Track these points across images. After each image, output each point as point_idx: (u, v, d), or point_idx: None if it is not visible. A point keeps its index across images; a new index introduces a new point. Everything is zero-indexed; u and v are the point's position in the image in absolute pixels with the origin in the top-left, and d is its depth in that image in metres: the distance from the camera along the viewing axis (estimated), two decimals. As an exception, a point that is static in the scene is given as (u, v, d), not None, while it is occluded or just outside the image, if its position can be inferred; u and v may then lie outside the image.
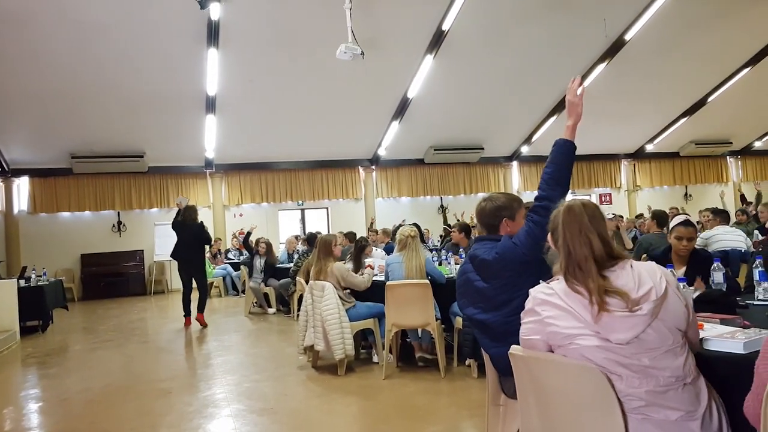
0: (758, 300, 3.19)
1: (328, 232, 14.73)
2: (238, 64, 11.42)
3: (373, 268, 6.43)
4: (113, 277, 14.53)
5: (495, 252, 2.88)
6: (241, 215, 15.91)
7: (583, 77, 13.28)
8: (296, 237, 12.16)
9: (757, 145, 19.96)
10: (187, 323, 9.23)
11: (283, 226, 16.56)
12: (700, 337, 2.23)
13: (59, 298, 10.43)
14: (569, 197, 2.51)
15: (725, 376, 2.11)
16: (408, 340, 6.02)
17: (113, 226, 15.09)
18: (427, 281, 5.49)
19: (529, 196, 13.67)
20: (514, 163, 18.20)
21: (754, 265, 3.33)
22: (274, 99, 12.80)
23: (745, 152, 20.28)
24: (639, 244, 6.78)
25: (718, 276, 3.46)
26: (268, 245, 10.59)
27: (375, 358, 6.08)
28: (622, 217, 11.72)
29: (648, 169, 19.63)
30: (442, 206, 17.50)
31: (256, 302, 10.51)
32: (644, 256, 5.63)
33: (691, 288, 3.15)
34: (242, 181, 15.91)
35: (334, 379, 5.60)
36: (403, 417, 4.49)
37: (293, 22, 10.54)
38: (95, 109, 12.14)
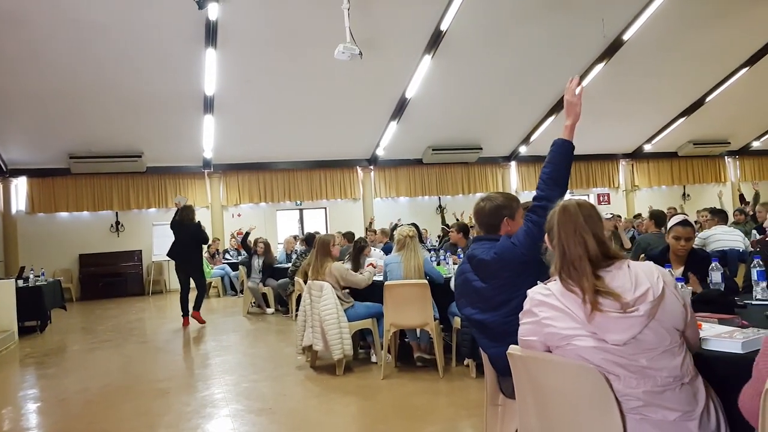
0: (756, 300, 3.19)
1: (327, 232, 14.74)
2: (236, 64, 11.42)
3: (375, 267, 6.43)
4: (111, 278, 14.52)
5: (493, 252, 2.88)
6: (239, 215, 15.91)
7: (582, 77, 13.28)
8: (294, 237, 12.16)
9: (755, 145, 19.99)
10: (186, 323, 9.24)
11: (281, 226, 16.56)
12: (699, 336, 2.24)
13: (57, 298, 10.41)
14: (567, 197, 2.51)
15: (723, 375, 2.11)
16: (406, 340, 6.03)
17: (111, 226, 15.08)
18: (426, 281, 5.50)
19: (527, 196, 13.63)
20: (513, 163, 18.21)
21: (752, 265, 3.33)
22: (273, 99, 12.80)
23: (743, 152, 20.31)
24: (637, 244, 6.79)
25: (716, 276, 3.46)
26: (267, 245, 10.59)
27: (373, 358, 6.08)
28: (620, 217, 11.73)
29: (646, 169, 19.65)
30: (440, 206, 17.52)
31: (254, 302, 10.51)
32: (642, 256, 5.62)
33: (687, 287, 3.16)
34: (240, 181, 15.90)
35: (332, 379, 5.60)
36: (401, 417, 4.49)
37: (291, 22, 10.54)
38: (93, 109, 12.13)
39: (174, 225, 9.43)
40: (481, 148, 16.86)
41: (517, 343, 2.21)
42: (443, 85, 13.13)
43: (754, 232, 8.29)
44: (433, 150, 16.40)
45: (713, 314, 2.62)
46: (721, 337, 2.25)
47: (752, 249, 6.89)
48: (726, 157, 20.41)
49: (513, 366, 2.27)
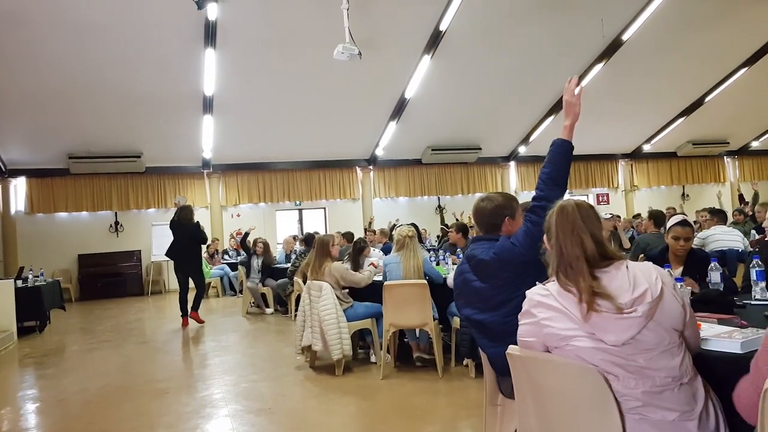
0: (755, 300, 3.19)
1: (326, 232, 14.74)
2: (236, 64, 11.41)
3: (376, 266, 6.43)
4: (110, 278, 14.51)
5: (493, 252, 2.88)
6: (238, 215, 15.91)
7: (581, 77, 13.27)
8: (294, 237, 12.15)
9: (755, 145, 19.99)
10: (185, 323, 9.25)
11: (280, 227, 16.56)
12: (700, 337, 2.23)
13: (56, 298, 10.41)
14: (566, 197, 2.51)
15: (723, 375, 2.10)
16: (406, 340, 6.02)
17: (110, 226, 15.07)
18: (425, 281, 5.50)
19: (526, 197, 13.66)
20: (512, 164, 18.21)
21: (751, 265, 3.33)
22: (272, 99, 12.79)
23: (743, 152, 20.31)
24: (636, 244, 6.79)
25: (715, 276, 3.46)
26: (266, 245, 10.59)
27: (373, 358, 6.08)
28: (619, 217, 11.73)
29: (645, 169, 19.65)
30: (439, 206, 17.52)
31: (253, 302, 10.51)
32: (641, 256, 5.63)
33: (687, 288, 3.16)
34: (240, 182, 15.90)
35: (331, 379, 5.60)
36: (400, 417, 4.49)
37: (290, 22, 10.53)
38: (93, 109, 12.12)
39: (173, 225, 9.46)
40: (480, 148, 16.86)
41: (516, 343, 2.21)
42: (442, 85, 13.13)
43: (753, 232, 8.30)
44: (432, 150, 16.40)
45: (712, 314, 2.62)
46: (720, 337, 2.25)
47: (751, 249, 6.90)
48: (725, 157, 20.41)
49: (512, 366, 2.27)
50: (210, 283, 13.54)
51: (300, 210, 17.01)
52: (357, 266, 6.70)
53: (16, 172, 14.11)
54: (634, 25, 11.97)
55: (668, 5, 11.41)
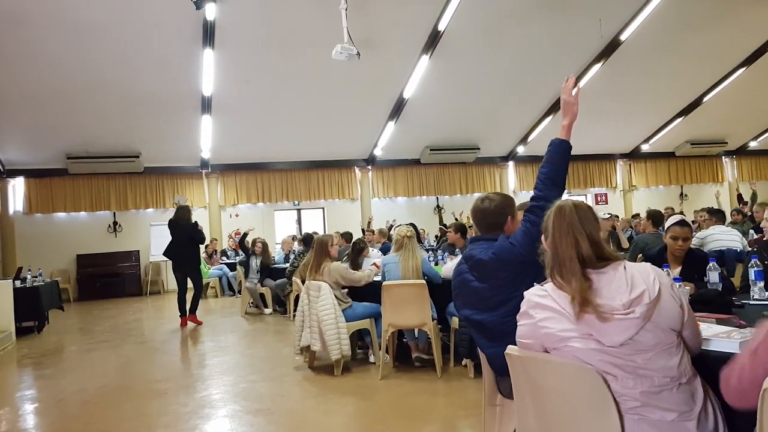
0: (754, 299, 3.19)
1: (325, 232, 14.74)
2: (234, 64, 11.41)
3: (378, 267, 6.43)
4: (109, 278, 14.51)
5: (491, 252, 2.88)
6: (237, 215, 15.90)
7: (579, 77, 13.31)
8: (292, 237, 12.14)
9: (753, 145, 20.02)
10: (183, 324, 9.25)
11: (279, 227, 16.54)
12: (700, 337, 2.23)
13: (55, 298, 10.40)
14: (565, 197, 2.51)
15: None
16: (404, 340, 6.02)
17: (109, 226, 15.06)
18: (424, 281, 5.50)
19: (525, 197, 13.65)
20: (510, 163, 18.23)
21: (749, 265, 3.34)
22: (270, 99, 12.79)
23: (741, 152, 20.34)
24: (635, 244, 6.80)
25: (713, 276, 3.46)
26: (264, 245, 10.58)
27: (371, 359, 6.08)
28: (617, 216, 11.74)
29: (644, 169, 19.67)
30: (438, 206, 17.53)
31: (252, 302, 10.50)
32: (640, 256, 5.64)
33: (685, 287, 3.16)
34: (238, 182, 15.90)
35: (330, 379, 5.60)
36: (399, 417, 4.49)
37: (289, 22, 10.53)
38: (91, 109, 12.12)
39: (171, 225, 9.47)
40: (478, 148, 16.87)
41: (515, 344, 2.22)
42: (441, 85, 13.14)
43: (751, 231, 8.31)
44: (430, 150, 16.41)
45: (711, 314, 2.62)
46: (718, 337, 2.25)
47: (749, 249, 6.91)
48: (723, 157, 20.43)
49: (511, 366, 2.27)
50: (209, 283, 13.55)
51: (298, 210, 17.00)
52: (356, 267, 6.70)
53: (14, 172, 14.10)
54: (633, 25, 11.98)
55: (666, 5, 11.42)
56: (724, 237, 7.14)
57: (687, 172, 20.01)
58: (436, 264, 7.16)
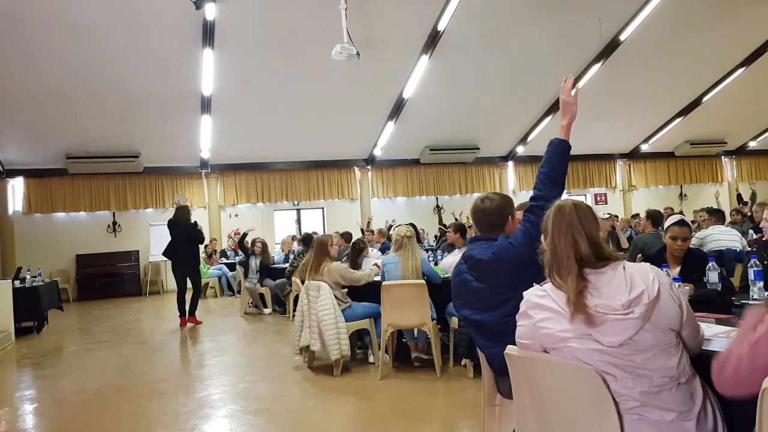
0: (753, 299, 3.19)
1: (324, 232, 14.74)
2: (234, 64, 11.41)
3: (379, 267, 6.43)
4: (108, 278, 14.50)
5: (491, 252, 2.87)
6: (236, 215, 15.90)
7: (579, 77, 13.32)
8: (292, 237, 12.14)
9: (752, 145, 20.02)
10: (183, 323, 9.25)
11: (278, 227, 16.54)
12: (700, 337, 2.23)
13: (54, 298, 10.39)
14: (564, 197, 2.51)
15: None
16: (404, 340, 6.02)
17: (108, 226, 15.06)
18: (423, 281, 5.49)
19: (524, 197, 13.67)
20: (510, 163, 18.22)
21: (749, 265, 3.34)
22: (270, 99, 12.79)
23: (740, 152, 20.34)
24: (634, 244, 6.80)
25: (713, 276, 3.46)
26: (264, 245, 10.58)
27: (371, 359, 6.08)
28: (617, 216, 11.73)
29: (643, 169, 19.67)
30: (437, 206, 17.53)
31: (251, 302, 10.50)
32: (639, 256, 5.64)
33: (685, 287, 3.16)
34: (238, 182, 15.89)
35: (329, 379, 5.60)
36: (399, 417, 4.49)
37: (289, 22, 10.53)
38: (91, 109, 12.11)
39: (170, 225, 9.48)
40: (478, 148, 16.87)
41: (514, 344, 2.21)
42: (440, 85, 13.14)
43: (750, 231, 8.31)
44: (430, 150, 16.41)
45: (710, 314, 2.62)
46: (718, 337, 2.25)
47: (749, 249, 6.91)
48: (723, 157, 20.44)
49: (510, 366, 2.27)
50: (208, 283, 13.56)
51: (298, 210, 17.00)
52: (355, 268, 6.69)
53: (13, 172, 14.09)
54: (632, 25, 11.99)
55: (666, 5, 11.42)
56: (724, 237, 7.14)
57: (686, 172, 20.02)
58: (436, 264, 7.16)
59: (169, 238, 9.48)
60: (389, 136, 15.14)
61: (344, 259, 7.12)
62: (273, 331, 8.68)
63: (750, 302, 3.14)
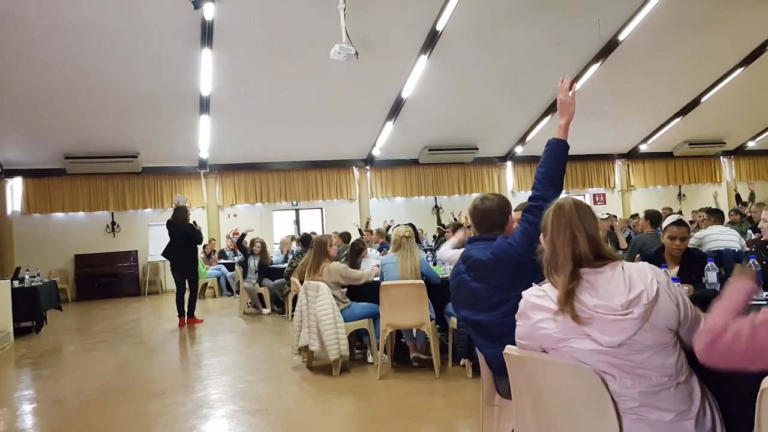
0: (752, 300, 3.18)
1: (323, 232, 14.73)
2: (232, 64, 11.40)
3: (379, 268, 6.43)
4: (107, 278, 14.49)
5: (490, 252, 2.88)
6: (235, 216, 15.89)
7: (577, 77, 13.34)
8: (291, 237, 12.13)
9: (751, 145, 20.03)
10: (181, 324, 9.26)
11: (277, 227, 16.53)
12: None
13: (53, 298, 10.38)
14: (563, 197, 2.51)
15: (719, 375, 2.10)
16: (403, 340, 6.02)
17: (107, 226, 15.04)
18: (422, 281, 5.49)
19: (523, 197, 13.70)
20: (509, 164, 18.22)
21: (747, 265, 3.34)
22: (268, 99, 12.78)
23: (739, 152, 20.35)
24: (633, 244, 6.80)
25: (711, 276, 3.47)
26: (263, 245, 10.58)
27: (370, 359, 6.08)
28: (616, 217, 11.73)
29: (642, 169, 19.67)
30: (436, 206, 17.52)
31: (250, 303, 10.49)
32: (638, 256, 5.64)
33: (684, 287, 3.17)
34: (236, 182, 15.88)
35: (328, 379, 5.60)
36: (398, 417, 4.49)
37: (287, 22, 10.53)
38: (89, 109, 12.10)
39: (169, 225, 9.49)
40: (477, 149, 16.87)
41: (513, 344, 2.21)
42: (439, 85, 13.13)
43: (749, 231, 8.32)
44: (429, 150, 16.40)
45: (709, 314, 2.62)
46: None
47: (748, 249, 6.91)
48: (721, 157, 20.45)
49: (509, 366, 2.27)
50: (207, 283, 13.55)
51: (297, 210, 16.99)
52: (354, 268, 6.69)
53: (12, 172, 14.07)
54: (631, 25, 11.99)
55: (664, 5, 11.43)
56: (723, 237, 7.14)
57: (685, 172, 20.02)
58: (435, 264, 7.16)
59: (168, 239, 9.49)
60: (388, 136, 15.13)
61: (343, 259, 7.12)
62: (272, 331, 8.68)
63: (749, 302, 3.14)
